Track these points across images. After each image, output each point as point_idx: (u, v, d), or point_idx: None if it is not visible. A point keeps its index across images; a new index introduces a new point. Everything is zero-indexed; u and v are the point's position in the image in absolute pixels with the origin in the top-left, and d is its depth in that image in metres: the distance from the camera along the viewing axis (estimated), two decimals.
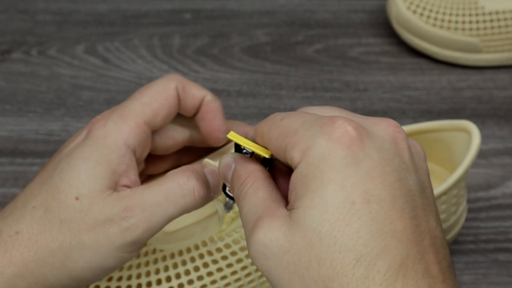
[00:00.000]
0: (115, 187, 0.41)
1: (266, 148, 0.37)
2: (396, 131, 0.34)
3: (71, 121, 0.68)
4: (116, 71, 0.74)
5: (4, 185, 0.62)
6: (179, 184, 0.41)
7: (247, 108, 0.70)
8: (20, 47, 0.77)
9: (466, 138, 0.51)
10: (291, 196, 0.34)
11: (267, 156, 0.37)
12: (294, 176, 0.34)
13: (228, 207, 0.42)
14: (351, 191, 0.32)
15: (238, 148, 0.38)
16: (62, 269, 0.40)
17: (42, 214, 0.41)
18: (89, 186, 0.40)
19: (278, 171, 0.38)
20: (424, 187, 0.34)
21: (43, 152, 0.65)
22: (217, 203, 0.44)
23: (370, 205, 0.32)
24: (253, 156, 0.38)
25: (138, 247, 0.41)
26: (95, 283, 0.45)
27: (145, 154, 0.44)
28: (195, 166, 0.42)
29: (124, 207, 0.40)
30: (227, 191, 0.39)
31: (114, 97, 0.71)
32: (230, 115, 0.69)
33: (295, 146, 0.34)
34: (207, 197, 0.42)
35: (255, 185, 0.36)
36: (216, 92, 0.71)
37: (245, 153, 0.38)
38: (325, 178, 0.32)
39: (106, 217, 0.40)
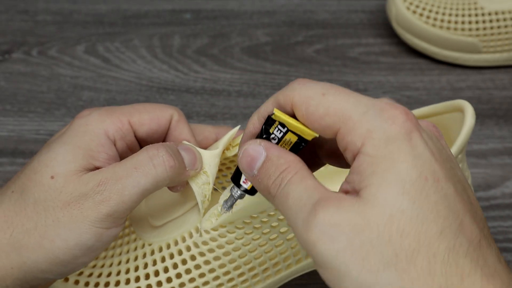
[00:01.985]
0: (93, 169, 0.41)
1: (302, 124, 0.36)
2: (437, 130, 0.36)
3: (71, 121, 0.68)
4: (116, 71, 0.74)
5: None
6: (149, 155, 0.41)
7: (247, 108, 0.70)
8: (20, 47, 0.77)
9: (462, 118, 0.51)
10: (355, 179, 0.33)
11: (313, 135, 0.35)
12: (358, 160, 0.33)
13: (229, 205, 0.40)
14: (422, 169, 0.32)
15: (265, 133, 0.36)
16: (38, 251, 0.40)
17: (19, 196, 0.41)
18: (65, 166, 0.41)
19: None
20: (464, 177, 0.35)
21: None
22: (194, 186, 0.44)
23: (440, 183, 0.32)
24: (280, 142, 0.36)
25: (115, 223, 0.41)
26: (86, 279, 0.45)
27: (128, 154, 0.44)
28: (167, 142, 0.43)
29: (98, 181, 0.40)
30: (241, 182, 0.38)
31: (114, 97, 0.71)
32: (230, 115, 0.69)
33: (352, 131, 0.33)
34: (180, 170, 0.42)
35: (300, 173, 0.34)
36: (216, 92, 0.72)
37: (272, 138, 0.36)
38: (396, 158, 0.32)
39: (81, 193, 0.40)
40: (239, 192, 0.39)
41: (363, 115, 0.34)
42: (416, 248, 0.31)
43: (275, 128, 0.36)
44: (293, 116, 0.36)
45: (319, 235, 0.32)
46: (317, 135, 0.36)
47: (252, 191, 0.39)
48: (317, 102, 0.34)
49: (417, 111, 0.53)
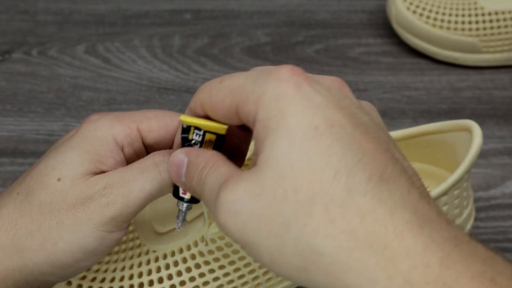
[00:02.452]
0: (100, 174, 0.41)
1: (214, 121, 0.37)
2: (342, 84, 0.35)
3: (71, 121, 0.68)
4: (116, 71, 0.74)
5: (5, 185, 0.62)
6: (155, 161, 0.41)
7: None
8: (20, 47, 0.77)
9: (469, 137, 0.51)
10: (256, 148, 0.33)
11: (224, 127, 0.36)
12: (255, 128, 0.33)
13: (182, 219, 0.41)
14: (313, 118, 0.31)
15: (186, 142, 0.38)
16: (41, 253, 0.40)
17: (24, 198, 0.41)
18: (73, 169, 0.41)
19: (232, 150, 0.38)
20: (382, 127, 0.34)
21: (44, 152, 0.64)
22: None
23: (334, 128, 0.31)
24: (203, 145, 0.37)
25: (118, 226, 0.40)
26: (89, 284, 0.45)
27: (135, 160, 0.44)
28: (175, 150, 0.43)
29: (104, 184, 0.40)
30: (180, 194, 0.39)
31: (115, 97, 0.71)
32: None
33: (247, 101, 0.33)
34: None
35: (216, 165, 0.35)
36: None
37: (194, 143, 0.37)
38: (284, 113, 0.32)
39: (87, 195, 0.40)
40: (184, 204, 0.40)
41: (254, 83, 0.33)
42: (312, 198, 0.30)
43: (193, 133, 0.37)
44: (207, 116, 0.37)
45: (225, 215, 0.32)
46: (226, 126, 0.36)
47: (194, 199, 0.39)
48: (217, 90, 0.35)
49: (424, 127, 0.53)
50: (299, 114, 0.32)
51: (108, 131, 0.42)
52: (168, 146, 0.45)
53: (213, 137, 0.37)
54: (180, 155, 0.37)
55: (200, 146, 0.37)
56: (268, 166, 0.31)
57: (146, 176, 0.40)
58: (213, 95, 0.35)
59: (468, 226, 0.53)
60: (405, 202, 0.31)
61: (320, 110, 0.32)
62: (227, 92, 0.35)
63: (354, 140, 0.31)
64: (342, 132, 0.31)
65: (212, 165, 0.35)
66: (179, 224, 0.41)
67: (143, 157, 0.44)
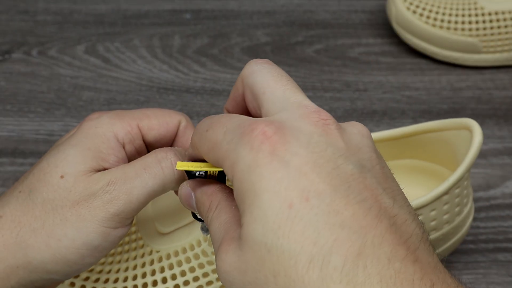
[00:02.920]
0: (102, 171, 0.42)
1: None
2: (325, 122, 0.33)
3: (71, 121, 0.68)
4: (116, 71, 0.74)
5: (5, 185, 0.62)
6: (158, 158, 0.41)
7: None
8: (20, 47, 0.77)
9: (469, 136, 0.51)
10: (239, 210, 0.33)
11: (220, 169, 0.36)
12: (234, 192, 0.33)
13: (205, 230, 0.41)
14: (286, 194, 0.31)
15: (190, 173, 0.38)
16: (45, 250, 0.40)
17: (27, 196, 0.41)
18: (75, 166, 0.41)
19: None
20: (372, 165, 0.33)
21: (44, 152, 0.65)
22: None
23: (309, 202, 0.31)
24: (207, 174, 0.37)
25: (121, 223, 0.41)
26: (92, 285, 0.45)
27: (136, 157, 0.44)
28: (176, 147, 0.43)
29: (107, 181, 0.40)
30: (198, 216, 0.40)
31: (115, 97, 0.71)
32: None
33: (224, 162, 0.33)
34: None
35: (218, 208, 0.35)
36: (216, 92, 0.72)
37: (200, 174, 0.37)
38: (257, 189, 0.31)
39: (90, 192, 0.40)
40: None
41: (229, 144, 0.33)
42: (289, 285, 0.30)
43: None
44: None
45: (223, 280, 0.33)
46: (221, 169, 0.35)
47: None
48: (203, 140, 0.35)
49: (423, 125, 0.53)
50: (271, 190, 0.31)
51: (109, 128, 0.43)
52: (168, 144, 0.45)
53: (216, 168, 0.37)
54: (187, 189, 0.38)
55: (206, 175, 0.37)
56: (249, 247, 0.32)
57: (149, 172, 0.41)
58: (201, 143, 0.35)
59: (468, 222, 0.54)
60: (383, 279, 0.30)
61: (295, 180, 0.31)
62: (210, 146, 0.34)
63: (332, 212, 0.31)
64: (318, 204, 0.31)
65: (216, 206, 0.36)
66: (205, 233, 0.42)
67: (144, 154, 0.44)
